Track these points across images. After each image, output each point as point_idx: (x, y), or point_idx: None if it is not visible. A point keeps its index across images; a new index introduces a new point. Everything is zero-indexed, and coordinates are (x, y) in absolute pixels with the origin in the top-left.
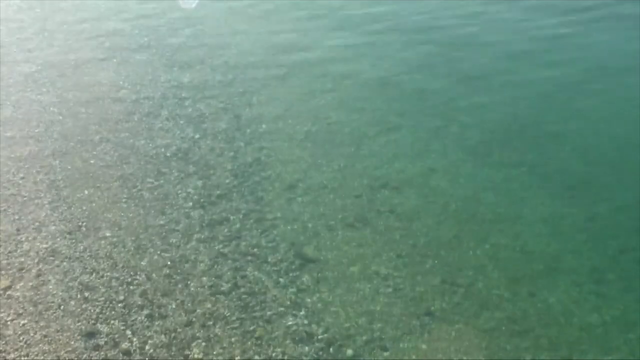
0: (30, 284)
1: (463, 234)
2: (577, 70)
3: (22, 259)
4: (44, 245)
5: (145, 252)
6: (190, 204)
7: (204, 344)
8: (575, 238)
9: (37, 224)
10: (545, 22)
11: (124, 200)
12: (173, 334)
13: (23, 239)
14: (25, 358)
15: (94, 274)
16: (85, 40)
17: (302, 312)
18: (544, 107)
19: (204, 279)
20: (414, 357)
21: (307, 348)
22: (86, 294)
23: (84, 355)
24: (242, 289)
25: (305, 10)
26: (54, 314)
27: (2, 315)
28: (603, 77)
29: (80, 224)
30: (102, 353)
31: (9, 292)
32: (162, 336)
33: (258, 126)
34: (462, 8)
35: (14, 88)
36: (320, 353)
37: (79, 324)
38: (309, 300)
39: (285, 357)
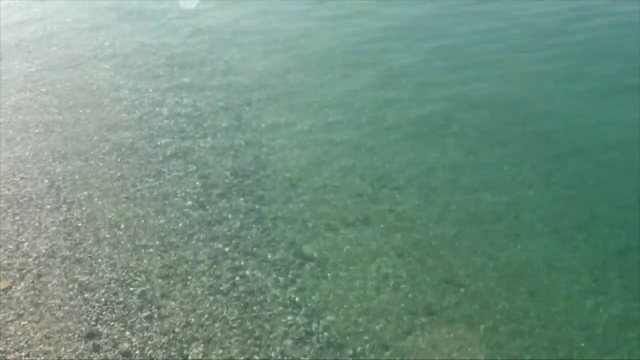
0: (31, 284)
1: (463, 233)
2: (570, 68)
3: (23, 260)
4: (44, 247)
5: (145, 252)
6: (190, 203)
7: (203, 344)
8: (575, 238)
9: (37, 224)
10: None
11: (123, 200)
12: (172, 335)
13: (23, 240)
14: (26, 358)
15: (93, 275)
16: (85, 40)
17: (302, 311)
18: (544, 107)
19: (204, 278)
20: (414, 356)
21: (307, 347)
22: (86, 295)
23: (84, 356)
24: (242, 288)
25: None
26: (54, 315)
27: (2, 315)
28: (605, 79)
29: (80, 224)
30: (101, 354)
31: (9, 293)
32: (162, 337)
33: (258, 125)
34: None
35: (14, 88)
36: (320, 352)
37: (79, 324)
38: (308, 299)
39: (285, 357)
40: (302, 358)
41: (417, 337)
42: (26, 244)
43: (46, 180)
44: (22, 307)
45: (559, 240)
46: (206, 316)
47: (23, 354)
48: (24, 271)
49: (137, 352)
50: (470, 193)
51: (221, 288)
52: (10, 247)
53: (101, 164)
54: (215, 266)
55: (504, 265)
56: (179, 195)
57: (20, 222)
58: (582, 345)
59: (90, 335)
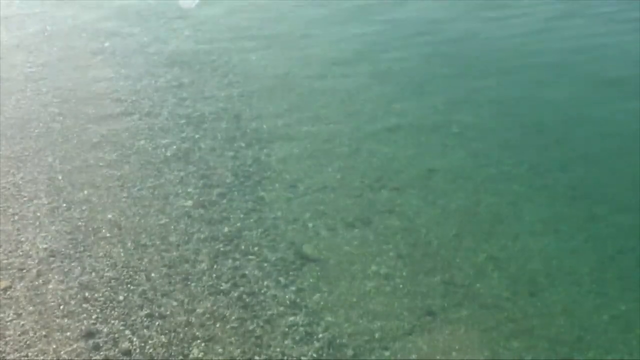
0: (30, 284)
1: (463, 234)
2: (571, 66)
3: (22, 259)
4: (44, 246)
5: (145, 251)
6: (190, 203)
7: (203, 343)
8: (575, 238)
9: (37, 224)
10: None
11: (123, 200)
12: (173, 334)
13: (23, 239)
14: (25, 358)
15: (93, 274)
16: (85, 40)
17: (302, 312)
18: (545, 107)
19: (204, 278)
20: (414, 356)
21: (307, 348)
22: (86, 294)
23: (84, 355)
24: (242, 289)
25: None
26: (54, 314)
27: (2, 315)
28: (605, 78)
29: (80, 224)
30: (102, 353)
31: (9, 292)
32: (162, 336)
33: (258, 126)
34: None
35: (14, 88)
36: (320, 353)
37: (79, 323)
38: (309, 299)
39: (285, 357)
40: (302, 358)
41: (417, 337)
42: (26, 243)
43: (46, 180)
44: (21, 306)
45: (559, 240)
46: (207, 316)
47: (23, 353)
48: (23, 271)
49: (138, 351)
50: (470, 193)
51: (222, 288)
52: (10, 246)
53: (101, 164)
54: (215, 266)
55: (504, 265)
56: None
57: (20, 222)
58: (582, 345)
59: (90, 334)
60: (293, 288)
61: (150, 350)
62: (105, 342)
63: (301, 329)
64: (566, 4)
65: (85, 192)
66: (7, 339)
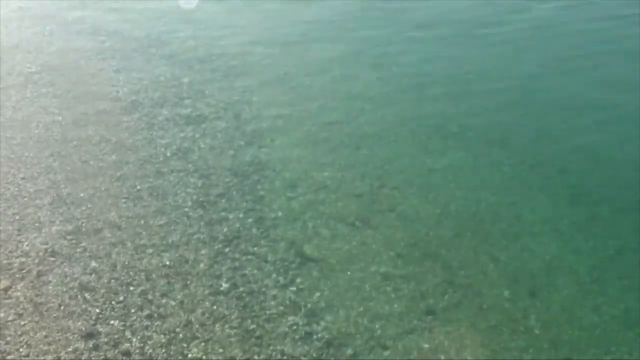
0: (31, 284)
1: (463, 234)
2: (569, 64)
3: (23, 259)
4: (44, 246)
5: (145, 252)
6: (190, 203)
7: (203, 344)
8: (575, 238)
9: (37, 224)
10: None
11: (123, 200)
12: (172, 334)
13: (23, 239)
14: (26, 358)
15: (93, 275)
16: (85, 40)
17: (302, 312)
18: (544, 107)
19: (204, 278)
20: (414, 356)
21: (307, 347)
22: (86, 295)
23: (84, 356)
24: (242, 289)
25: None
26: (54, 315)
27: (2, 315)
28: (604, 77)
29: (80, 224)
30: (101, 353)
31: (9, 292)
32: (162, 336)
33: (258, 125)
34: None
35: (14, 89)
36: (320, 352)
37: (79, 324)
38: (309, 299)
39: (285, 357)
40: (302, 358)
41: (417, 337)
42: (26, 243)
43: (46, 180)
44: (22, 307)
45: (559, 240)
46: (206, 316)
47: (23, 354)
48: (23, 271)
49: (137, 351)
50: (470, 193)
51: (221, 288)
52: (10, 246)
53: (101, 164)
54: (215, 266)
55: (504, 265)
56: (179, 194)
57: (20, 222)
58: (582, 345)
59: (90, 335)
60: (293, 288)
61: (150, 351)
62: (106, 343)
63: (301, 328)
64: None
65: (85, 192)
66: (8, 339)
